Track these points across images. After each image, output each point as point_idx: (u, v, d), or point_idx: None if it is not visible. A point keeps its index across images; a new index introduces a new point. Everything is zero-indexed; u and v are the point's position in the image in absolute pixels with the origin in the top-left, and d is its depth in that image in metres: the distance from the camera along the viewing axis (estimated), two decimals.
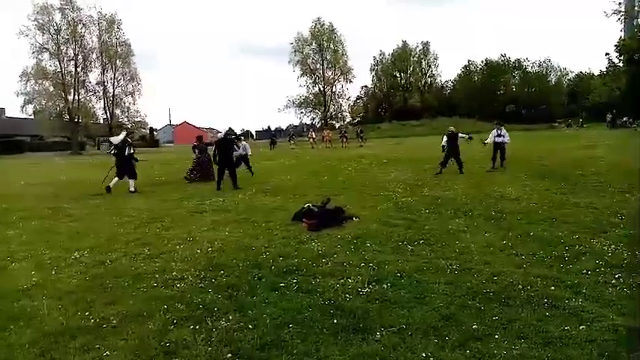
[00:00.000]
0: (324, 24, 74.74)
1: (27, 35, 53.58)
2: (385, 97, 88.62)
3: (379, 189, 12.22)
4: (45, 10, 53.82)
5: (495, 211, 8.62)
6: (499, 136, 16.00)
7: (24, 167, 30.16)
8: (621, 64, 49.95)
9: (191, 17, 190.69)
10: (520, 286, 4.70)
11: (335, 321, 4.05)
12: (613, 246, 6.02)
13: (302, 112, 77.93)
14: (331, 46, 74.76)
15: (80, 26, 56.66)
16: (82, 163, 33.50)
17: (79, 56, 57.12)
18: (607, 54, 52.63)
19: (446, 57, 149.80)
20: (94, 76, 59.64)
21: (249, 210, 9.89)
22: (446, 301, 4.41)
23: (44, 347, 3.81)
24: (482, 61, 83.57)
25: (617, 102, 51.52)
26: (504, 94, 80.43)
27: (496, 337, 3.66)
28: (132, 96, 61.15)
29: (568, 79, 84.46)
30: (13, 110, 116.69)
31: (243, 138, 19.20)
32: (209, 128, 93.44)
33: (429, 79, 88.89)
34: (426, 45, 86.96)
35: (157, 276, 5.52)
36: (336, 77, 75.57)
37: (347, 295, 4.65)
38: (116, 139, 14.22)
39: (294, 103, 75.84)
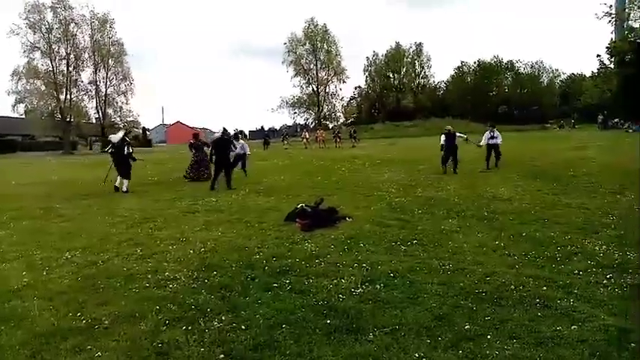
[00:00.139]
0: (317, 24, 74.87)
1: (18, 34, 53.22)
2: (378, 98, 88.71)
3: (372, 189, 12.24)
4: (36, 8, 53.45)
5: (488, 212, 8.66)
6: (492, 138, 16.36)
7: (15, 167, 29.93)
8: (612, 66, 50.33)
9: (184, 17, 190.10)
10: (512, 287, 4.72)
11: (328, 321, 4.05)
12: (604, 246, 6.07)
13: (295, 113, 78.07)
14: (325, 46, 74.88)
15: (72, 25, 56.35)
16: (74, 162, 33.28)
17: (71, 55, 56.76)
18: (598, 55, 52.90)
19: (439, 58, 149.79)
20: (86, 75, 59.40)
21: (242, 210, 9.87)
22: (439, 302, 4.43)
23: (35, 348, 3.78)
24: (474, 63, 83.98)
25: (609, 103, 51.87)
26: (497, 95, 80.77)
27: (488, 337, 3.67)
28: (124, 95, 60.94)
29: (560, 81, 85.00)
30: (4, 109, 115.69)
31: (241, 137, 19.13)
32: (202, 128, 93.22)
33: (422, 80, 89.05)
34: (419, 46, 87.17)
35: (150, 276, 5.50)
36: (329, 78, 75.71)
37: (340, 296, 4.65)
38: (115, 138, 14.14)
39: (287, 103, 75.93)
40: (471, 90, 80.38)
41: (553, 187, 11.35)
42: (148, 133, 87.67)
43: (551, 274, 5.08)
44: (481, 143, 16.61)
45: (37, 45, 54.42)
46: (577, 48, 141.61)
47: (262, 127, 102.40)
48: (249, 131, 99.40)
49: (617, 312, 4.07)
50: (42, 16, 54.14)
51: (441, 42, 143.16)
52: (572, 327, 3.79)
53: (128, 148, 13.95)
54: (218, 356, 3.55)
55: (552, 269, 5.28)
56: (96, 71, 59.38)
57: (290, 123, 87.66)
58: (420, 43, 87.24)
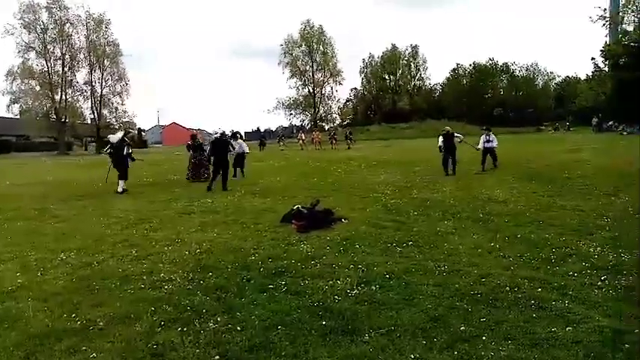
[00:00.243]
0: (313, 26, 74.97)
1: (12, 34, 53.00)
2: (374, 100, 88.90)
3: (368, 191, 12.25)
4: (31, 8, 53.23)
5: (483, 214, 8.68)
6: (488, 141, 16.71)
7: (10, 167, 29.75)
8: (607, 69, 50.63)
9: (180, 18, 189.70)
10: (507, 288, 4.73)
11: (324, 323, 4.05)
12: (599, 248, 6.10)
13: (291, 114, 78.08)
14: (321, 48, 74.97)
15: (67, 25, 56.09)
16: (69, 163, 33.14)
17: (67, 55, 56.50)
18: (593, 59, 53.22)
19: (434, 60, 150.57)
20: (81, 75, 59.13)
21: (238, 211, 9.86)
22: (434, 303, 4.43)
23: (29, 350, 3.76)
24: (470, 65, 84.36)
25: (603, 106, 52.15)
26: (492, 98, 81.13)
27: (483, 338, 3.68)
28: (120, 96, 60.59)
29: (555, 83, 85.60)
30: None
31: (239, 136, 19.19)
32: (198, 129, 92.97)
33: (418, 82, 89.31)
34: (414, 48, 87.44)
35: (145, 278, 5.49)
36: (325, 79, 75.81)
37: (336, 297, 4.66)
38: (114, 138, 14.12)
39: (283, 104, 75.94)
40: (467, 92, 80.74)
41: (548, 189, 11.40)
42: (143, 133, 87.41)
43: (546, 276, 5.10)
44: (478, 147, 16.86)
45: (32, 45, 54.23)
46: (572, 51, 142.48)
47: (258, 128, 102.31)
48: (245, 132, 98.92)
49: (611, 313, 4.08)
50: (37, 16, 53.94)
51: (437, 44, 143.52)
52: (567, 328, 3.80)
53: (127, 149, 13.95)
54: (213, 357, 3.54)
55: (547, 271, 5.30)
56: (91, 72, 59.10)
57: (286, 124, 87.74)
58: (416, 46, 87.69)
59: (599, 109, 52.30)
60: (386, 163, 21.41)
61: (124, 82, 60.67)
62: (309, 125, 74.69)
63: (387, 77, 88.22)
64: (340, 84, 77.18)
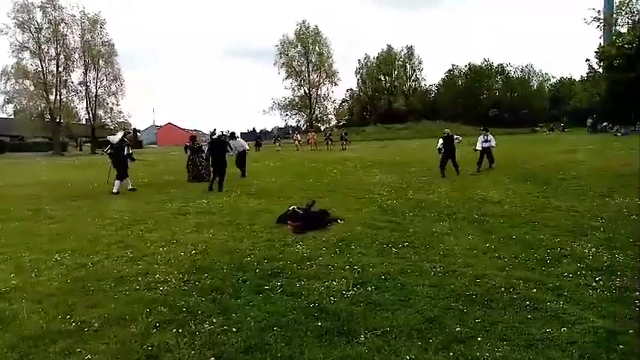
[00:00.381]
0: (309, 26, 75.10)
1: (6, 33, 52.78)
2: (370, 101, 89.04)
3: (364, 192, 12.26)
4: (25, 8, 52.97)
5: (478, 214, 8.70)
6: (486, 141, 16.79)
7: (4, 168, 29.59)
8: (601, 71, 50.94)
9: (176, 18, 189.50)
10: (502, 289, 4.74)
11: (319, 324, 4.05)
12: (593, 249, 6.12)
13: (287, 115, 78.20)
14: (316, 48, 75.16)
15: (62, 25, 55.87)
16: (64, 163, 33.02)
17: (61, 55, 56.30)
18: (587, 60, 53.70)
19: (430, 61, 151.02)
20: (76, 75, 58.87)
21: (233, 212, 9.84)
22: (429, 304, 4.44)
23: (23, 351, 3.74)
24: (465, 66, 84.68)
25: (598, 107, 52.50)
26: (487, 99, 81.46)
27: (479, 339, 3.69)
28: (115, 96, 60.45)
29: (550, 85, 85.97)
30: None
31: (238, 136, 19.29)
32: (194, 130, 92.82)
33: (414, 83, 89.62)
34: (410, 49, 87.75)
35: (140, 279, 5.46)
36: (321, 80, 75.98)
37: (331, 298, 4.65)
38: (114, 139, 14.12)
39: (279, 105, 76.06)
40: (462, 93, 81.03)
41: (543, 189, 11.44)
42: (139, 134, 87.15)
43: (541, 277, 5.11)
44: (477, 147, 16.90)
45: (26, 45, 53.96)
46: (566, 52, 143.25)
47: (254, 128, 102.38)
48: (241, 133, 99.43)
49: (606, 314, 4.10)
50: (31, 15, 53.70)
51: (433, 45, 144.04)
52: (562, 329, 3.82)
53: (128, 149, 13.99)
54: (209, 359, 3.53)
55: (542, 272, 5.32)
56: (86, 72, 58.90)
57: (282, 125, 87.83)
58: (412, 46, 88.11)
59: (593, 110, 52.62)
60: (381, 163, 21.43)
61: (119, 83, 60.61)
62: (305, 126, 74.76)
63: (382, 78, 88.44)
64: (336, 85, 77.61)
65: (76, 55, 57.95)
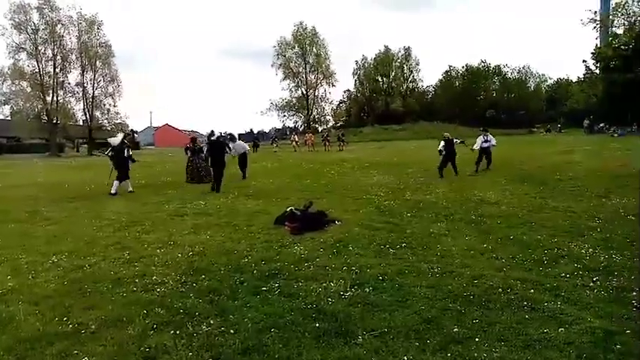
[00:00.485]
0: (306, 27, 75.06)
1: (3, 34, 52.53)
2: (367, 102, 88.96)
3: (361, 193, 12.26)
4: (22, 9, 52.68)
5: (476, 215, 8.72)
6: (486, 141, 16.82)
7: (0, 169, 29.48)
8: (598, 72, 51.10)
9: (173, 19, 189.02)
10: (500, 290, 4.75)
11: (317, 325, 4.05)
12: (590, 249, 6.14)
13: (285, 116, 78.18)
14: (314, 49, 75.08)
15: (59, 26, 55.60)
16: (61, 165, 32.94)
17: (58, 57, 55.96)
18: (584, 61, 53.78)
19: (427, 62, 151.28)
20: (73, 77, 58.56)
21: (230, 213, 9.83)
22: (427, 305, 4.44)
23: (20, 354, 3.73)
24: (462, 67, 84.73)
25: (595, 108, 52.62)
26: (484, 100, 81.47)
27: (476, 340, 3.69)
28: (112, 97, 60.02)
29: (547, 86, 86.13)
30: None
31: (237, 138, 19.32)
32: (192, 131, 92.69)
33: (411, 84, 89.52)
34: (407, 50, 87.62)
35: (137, 280, 5.45)
36: (318, 81, 75.95)
37: (329, 299, 4.65)
38: (114, 141, 14.15)
39: (276, 106, 76.06)
40: (459, 94, 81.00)
41: (540, 190, 11.47)
42: (136, 135, 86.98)
43: (539, 277, 5.13)
44: (475, 147, 16.90)
45: (22, 46, 53.67)
46: (563, 53, 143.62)
47: (252, 129, 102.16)
48: (239, 134, 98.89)
49: (603, 314, 4.11)
50: (28, 16, 53.38)
51: (430, 46, 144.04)
52: (560, 329, 3.83)
53: (128, 151, 14.07)
54: None
55: (539, 272, 5.33)
56: (83, 73, 58.56)
57: (279, 126, 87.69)
58: (409, 47, 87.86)
59: (590, 111, 52.76)
60: (379, 164, 21.44)
61: (116, 84, 60.22)
62: (303, 127, 74.73)
63: (380, 79, 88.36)
64: (333, 86, 77.58)
65: (73, 57, 57.66)
